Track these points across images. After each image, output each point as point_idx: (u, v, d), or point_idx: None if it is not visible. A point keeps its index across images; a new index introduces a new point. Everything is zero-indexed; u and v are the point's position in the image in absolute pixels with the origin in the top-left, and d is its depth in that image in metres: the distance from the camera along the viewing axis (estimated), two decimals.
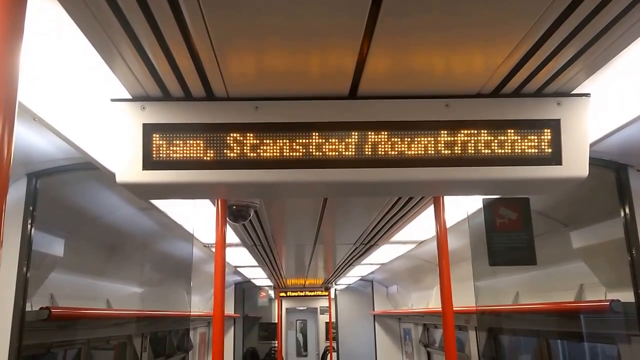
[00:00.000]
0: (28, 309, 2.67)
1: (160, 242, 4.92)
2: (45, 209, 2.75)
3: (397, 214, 3.59)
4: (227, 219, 2.75)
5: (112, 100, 1.65)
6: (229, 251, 5.36)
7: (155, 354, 6.27)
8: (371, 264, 7.27)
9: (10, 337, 2.45)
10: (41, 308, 2.81)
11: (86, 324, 4.07)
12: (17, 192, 2.59)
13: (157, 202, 3.18)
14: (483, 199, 2.72)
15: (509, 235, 2.65)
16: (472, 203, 3.20)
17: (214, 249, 5.25)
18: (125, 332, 5.07)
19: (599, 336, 3.45)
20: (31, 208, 2.61)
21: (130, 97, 1.66)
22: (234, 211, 2.81)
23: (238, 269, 7.83)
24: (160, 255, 5.43)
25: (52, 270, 3.35)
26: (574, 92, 1.70)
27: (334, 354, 11.49)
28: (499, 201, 2.70)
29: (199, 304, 8.77)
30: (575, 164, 1.68)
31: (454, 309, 2.53)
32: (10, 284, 2.52)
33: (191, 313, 7.61)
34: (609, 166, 2.68)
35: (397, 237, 4.61)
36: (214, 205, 2.63)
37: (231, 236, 4.37)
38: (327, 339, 14.55)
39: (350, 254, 5.98)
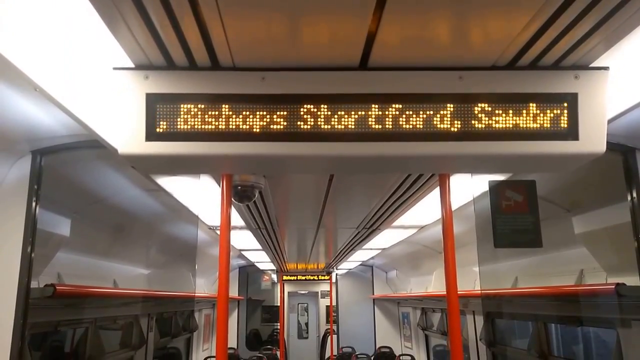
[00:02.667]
0: (34, 287, 2.68)
1: (166, 224, 4.93)
2: (50, 188, 2.74)
3: (401, 196, 3.57)
4: (232, 199, 2.74)
5: (115, 68, 1.60)
6: (233, 234, 5.35)
7: (162, 333, 6.35)
8: (371, 249, 7.29)
9: (14, 314, 2.46)
10: (46, 285, 2.82)
11: (93, 303, 4.11)
12: (21, 170, 2.58)
13: (163, 183, 3.17)
14: (489, 181, 2.71)
15: (514, 218, 2.64)
16: (477, 186, 3.19)
17: (219, 232, 5.27)
18: (131, 312, 5.12)
19: (600, 320, 3.47)
20: (36, 186, 2.60)
21: (133, 66, 1.61)
22: (239, 191, 2.80)
23: (242, 252, 7.87)
24: (166, 237, 5.45)
25: (59, 249, 3.36)
26: (592, 65, 1.65)
27: (334, 337, 11.60)
28: (505, 183, 2.69)
29: (204, 286, 8.84)
30: (592, 139, 1.64)
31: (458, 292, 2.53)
32: (15, 263, 2.52)
33: (196, 294, 7.67)
34: (616, 149, 2.64)
35: (399, 221, 4.61)
36: (219, 185, 2.62)
37: (236, 219, 4.38)
38: (327, 322, 14.69)
39: (352, 239, 5.99)
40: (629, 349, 3.00)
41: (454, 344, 2.27)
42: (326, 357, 12.00)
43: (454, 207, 3.68)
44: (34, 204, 2.59)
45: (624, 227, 2.69)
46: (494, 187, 2.70)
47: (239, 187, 2.79)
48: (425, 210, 4.04)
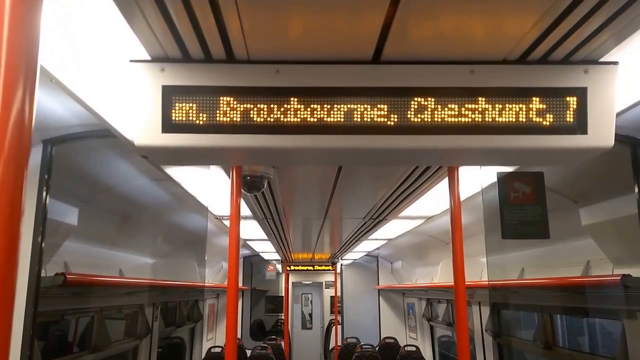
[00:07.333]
0: (42, 275, 2.70)
1: (173, 213, 4.95)
2: (60, 177, 2.75)
3: (409, 187, 3.58)
4: (241, 189, 2.75)
5: (131, 61, 1.62)
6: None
7: (166, 323, 6.40)
8: (377, 240, 7.31)
9: (25, 303, 2.48)
10: (56, 274, 2.84)
11: (99, 292, 4.14)
12: (32, 159, 2.56)
13: (172, 173, 3.18)
14: (498, 173, 2.71)
15: (522, 209, 2.65)
16: (486, 177, 3.18)
17: (224, 222, 5.28)
18: (137, 301, 5.16)
19: (605, 311, 3.47)
20: (46, 176, 2.61)
21: (150, 58, 1.63)
22: (248, 181, 2.81)
23: (247, 242, 7.90)
24: (173, 226, 5.47)
25: (67, 238, 3.39)
26: (602, 59, 1.66)
27: (339, 327, 11.66)
28: (513, 175, 2.69)
29: (208, 276, 8.89)
30: (601, 133, 1.65)
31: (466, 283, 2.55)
32: (26, 252, 2.53)
33: (206, 284, 7.72)
34: (624, 141, 2.63)
35: (406, 212, 4.61)
36: (229, 176, 2.62)
37: (243, 209, 4.37)
38: (332, 312, 14.76)
39: (359, 229, 6.00)
40: (634, 340, 3.00)
41: (460, 334, 2.28)
42: (330, 347, 12.06)
43: (462, 197, 3.68)
44: (44, 193, 2.60)
45: (631, 219, 2.69)
46: (502, 179, 2.71)
47: (248, 178, 2.80)
48: (432, 201, 4.04)
